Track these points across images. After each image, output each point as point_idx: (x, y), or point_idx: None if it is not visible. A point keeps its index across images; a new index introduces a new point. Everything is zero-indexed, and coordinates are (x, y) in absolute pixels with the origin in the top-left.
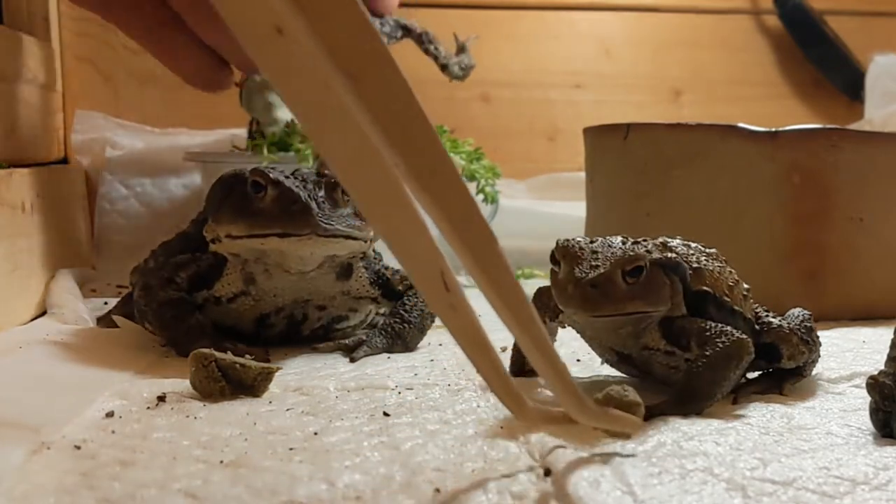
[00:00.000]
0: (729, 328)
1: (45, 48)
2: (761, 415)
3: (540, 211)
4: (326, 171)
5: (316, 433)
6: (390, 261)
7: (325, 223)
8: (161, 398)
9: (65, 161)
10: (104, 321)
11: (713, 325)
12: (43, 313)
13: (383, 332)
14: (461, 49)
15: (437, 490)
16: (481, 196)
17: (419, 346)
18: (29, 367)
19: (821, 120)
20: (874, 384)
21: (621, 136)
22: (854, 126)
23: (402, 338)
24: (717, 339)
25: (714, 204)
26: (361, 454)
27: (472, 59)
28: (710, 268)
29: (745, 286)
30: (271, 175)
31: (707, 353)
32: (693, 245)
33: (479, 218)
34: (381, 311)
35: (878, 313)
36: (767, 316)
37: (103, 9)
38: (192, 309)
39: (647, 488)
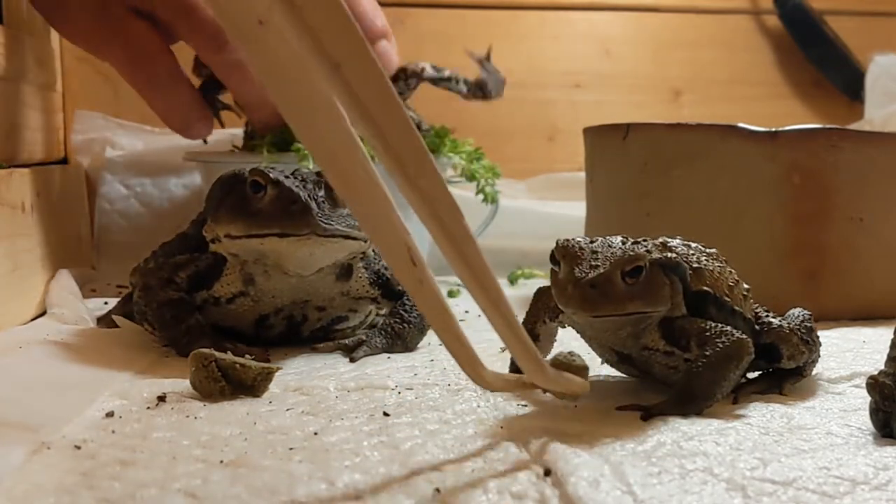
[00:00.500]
0: (729, 328)
1: (45, 48)
2: (761, 415)
3: (540, 211)
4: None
5: (316, 433)
6: None
7: (325, 223)
8: (161, 398)
9: (65, 161)
10: (104, 321)
11: (713, 325)
12: (43, 313)
13: (383, 333)
14: (485, 64)
15: (437, 490)
16: (481, 196)
17: (419, 346)
18: (29, 367)
19: (821, 120)
20: (874, 384)
21: (621, 136)
22: (854, 126)
23: (401, 338)
24: (717, 340)
25: (714, 204)
26: (361, 454)
27: (498, 72)
28: (711, 268)
29: (746, 286)
30: (271, 175)
31: (707, 354)
32: (693, 245)
33: (448, 195)
34: (382, 311)
35: (878, 313)
36: (767, 316)
37: (101, 52)
38: (191, 309)
39: (647, 488)
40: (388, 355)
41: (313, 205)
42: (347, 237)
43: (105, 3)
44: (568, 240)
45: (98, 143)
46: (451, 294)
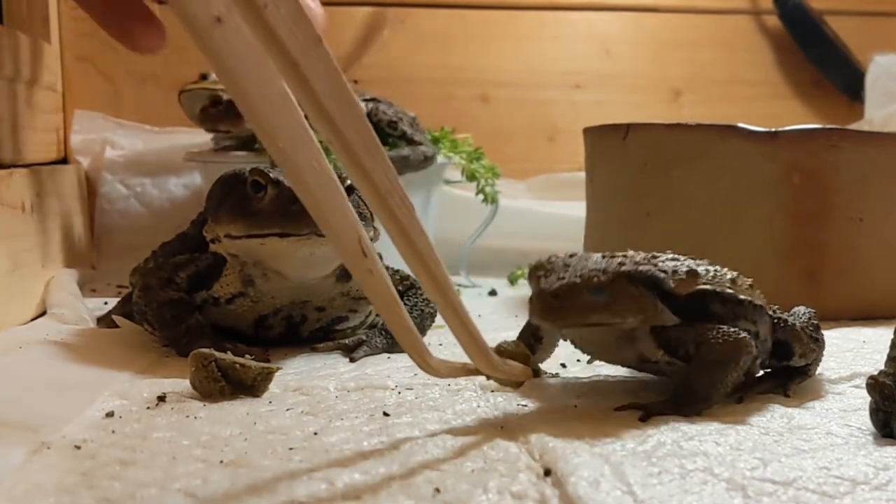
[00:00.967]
0: (727, 328)
1: (45, 48)
2: (761, 415)
3: (540, 211)
4: None
5: (316, 433)
6: (389, 260)
7: None
8: (161, 398)
9: (65, 161)
10: (104, 321)
11: (710, 327)
12: (43, 313)
13: (383, 332)
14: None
15: (437, 490)
16: (481, 196)
17: None
18: (29, 367)
19: (821, 120)
20: (874, 384)
21: (621, 136)
22: (854, 126)
23: None
24: (716, 340)
25: (714, 204)
26: (361, 454)
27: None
28: (706, 268)
29: (748, 280)
30: (271, 175)
31: (705, 355)
32: (683, 257)
33: (400, 189)
34: None
35: (878, 313)
36: (777, 313)
37: None
38: (191, 309)
39: (647, 488)
40: (388, 355)
41: None
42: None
43: None
44: (543, 259)
45: (98, 143)
46: None
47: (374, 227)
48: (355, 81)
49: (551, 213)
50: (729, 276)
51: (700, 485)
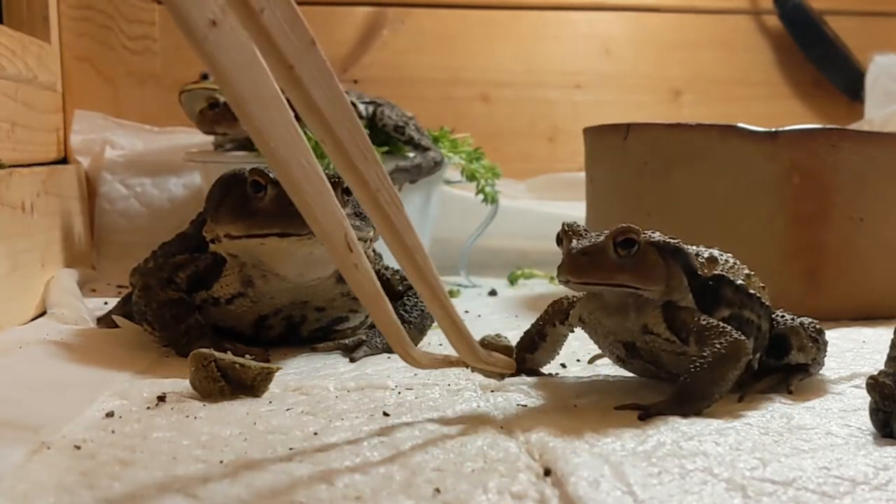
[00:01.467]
0: (728, 328)
1: (45, 48)
2: (761, 415)
3: (540, 211)
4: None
5: (316, 433)
6: (389, 260)
7: None
8: (161, 398)
9: (65, 161)
10: (104, 321)
11: (714, 322)
12: (43, 313)
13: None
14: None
15: (437, 490)
16: (481, 196)
17: (418, 346)
18: (29, 367)
19: (821, 120)
20: (874, 384)
21: (621, 136)
22: (854, 126)
23: None
24: (716, 340)
25: (714, 204)
26: (361, 454)
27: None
28: (724, 257)
29: (761, 282)
30: (271, 175)
31: (706, 355)
32: (715, 249)
33: (390, 187)
34: None
35: (878, 313)
36: (778, 313)
37: None
38: (191, 309)
39: (647, 488)
40: (388, 355)
41: None
42: (369, 239)
43: None
44: (573, 222)
45: (98, 143)
46: (451, 294)
47: (374, 227)
48: (355, 81)
49: (551, 213)
50: (745, 272)
51: (700, 485)
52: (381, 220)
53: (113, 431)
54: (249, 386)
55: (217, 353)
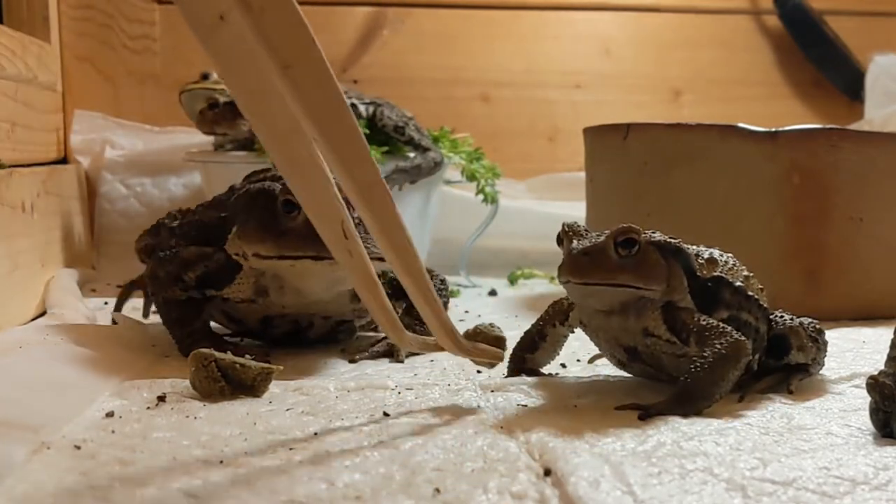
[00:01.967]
0: (728, 329)
1: (45, 48)
2: (761, 415)
3: (540, 211)
4: None
5: (316, 433)
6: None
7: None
8: (161, 398)
9: (65, 161)
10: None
11: (714, 323)
12: (43, 313)
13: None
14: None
15: (437, 490)
16: (481, 196)
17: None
18: (29, 367)
19: (821, 120)
20: (874, 384)
21: (621, 136)
22: (854, 126)
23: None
24: (716, 340)
25: (714, 204)
26: (361, 454)
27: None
28: (724, 259)
29: (760, 285)
30: None
31: (706, 355)
32: (715, 249)
33: (383, 184)
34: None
35: (878, 313)
36: (777, 314)
37: None
38: (197, 311)
39: (647, 488)
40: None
41: None
42: (380, 258)
43: None
44: (574, 222)
45: (98, 143)
46: (452, 294)
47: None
48: (355, 81)
49: (551, 213)
50: (744, 274)
51: (700, 485)
52: (372, 215)
53: (113, 431)
54: (249, 386)
55: (217, 353)
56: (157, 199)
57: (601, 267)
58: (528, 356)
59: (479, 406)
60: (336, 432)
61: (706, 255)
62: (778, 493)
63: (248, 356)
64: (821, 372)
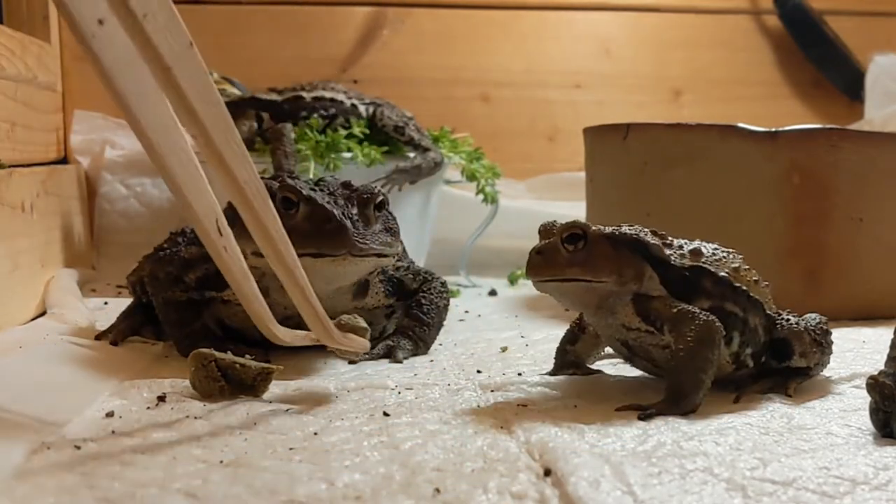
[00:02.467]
0: (697, 311)
1: (45, 48)
2: (761, 415)
3: (540, 211)
4: (354, 185)
5: (316, 433)
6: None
7: (360, 242)
8: (161, 398)
9: (64, 161)
10: (105, 335)
11: (685, 308)
12: (43, 313)
13: (408, 336)
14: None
15: (437, 490)
16: (481, 196)
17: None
18: (29, 367)
19: (821, 120)
20: (874, 384)
21: (621, 136)
22: (854, 126)
23: (424, 341)
24: (685, 328)
25: (714, 204)
26: (361, 454)
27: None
28: (713, 250)
29: (757, 277)
30: (303, 191)
31: (681, 347)
32: (709, 243)
33: (258, 180)
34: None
35: (878, 313)
36: (783, 314)
37: None
38: (197, 311)
39: (647, 488)
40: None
41: (348, 223)
42: (380, 255)
43: None
44: (551, 222)
45: (98, 143)
46: (452, 294)
47: (400, 243)
48: (355, 81)
49: (551, 213)
50: (734, 265)
51: (700, 485)
52: (248, 210)
53: (113, 431)
54: (249, 386)
55: (217, 353)
56: (156, 199)
57: (552, 263)
58: (570, 348)
59: (478, 406)
60: (336, 432)
61: (691, 247)
62: (778, 493)
63: (248, 356)
64: (821, 372)
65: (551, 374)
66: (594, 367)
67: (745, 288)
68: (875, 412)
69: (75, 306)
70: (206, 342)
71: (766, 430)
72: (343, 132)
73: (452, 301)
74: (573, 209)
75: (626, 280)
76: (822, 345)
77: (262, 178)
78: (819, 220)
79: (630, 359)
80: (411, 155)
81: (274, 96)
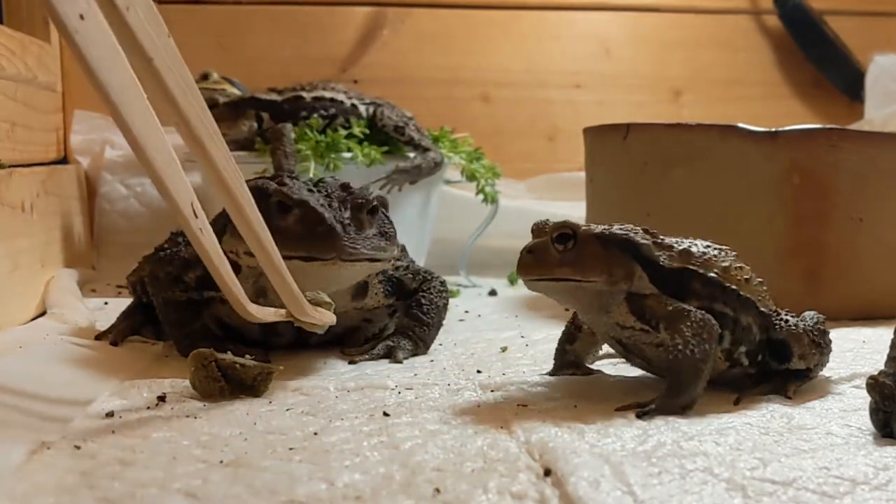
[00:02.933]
0: (691, 309)
1: (45, 48)
2: (761, 415)
3: (540, 211)
4: (352, 188)
5: (316, 433)
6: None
7: (350, 247)
8: (161, 398)
9: (64, 161)
10: (105, 336)
11: (680, 306)
12: (43, 313)
13: (408, 336)
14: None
15: (437, 490)
16: (481, 196)
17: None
18: (29, 367)
19: (821, 120)
20: (874, 384)
21: (621, 136)
22: (854, 126)
23: (423, 341)
24: (682, 324)
25: (714, 204)
26: (361, 454)
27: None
28: (703, 250)
29: (748, 275)
30: (295, 196)
31: (678, 343)
32: (701, 241)
33: (234, 165)
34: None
35: (878, 313)
36: (782, 315)
37: None
38: (196, 312)
39: (647, 488)
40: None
41: (339, 228)
42: (372, 260)
43: None
44: (543, 221)
45: (98, 143)
46: (452, 294)
47: (398, 245)
48: (355, 81)
49: (551, 213)
50: (724, 264)
51: (700, 485)
52: (227, 196)
53: (113, 431)
54: (249, 386)
55: (217, 353)
56: (156, 199)
57: (542, 263)
58: (569, 347)
59: (478, 406)
60: (336, 432)
61: (681, 247)
62: (778, 493)
63: (248, 356)
64: (821, 372)
65: (551, 374)
66: (594, 366)
67: (734, 287)
68: (875, 412)
69: (75, 306)
70: (206, 342)
71: (766, 430)
72: (343, 132)
73: (452, 301)
74: (573, 209)
75: (616, 280)
76: (820, 346)
77: (263, 177)
78: (819, 220)
79: (627, 357)
80: (411, 155)
81: (274, 96)
